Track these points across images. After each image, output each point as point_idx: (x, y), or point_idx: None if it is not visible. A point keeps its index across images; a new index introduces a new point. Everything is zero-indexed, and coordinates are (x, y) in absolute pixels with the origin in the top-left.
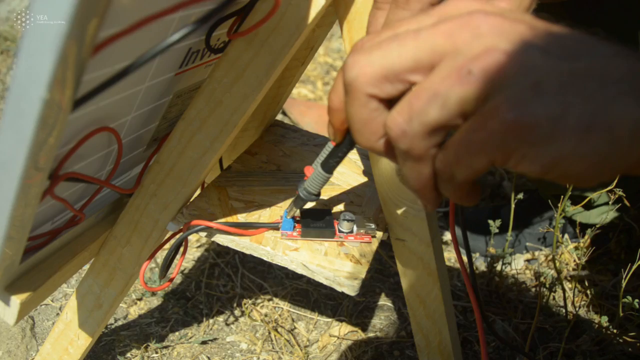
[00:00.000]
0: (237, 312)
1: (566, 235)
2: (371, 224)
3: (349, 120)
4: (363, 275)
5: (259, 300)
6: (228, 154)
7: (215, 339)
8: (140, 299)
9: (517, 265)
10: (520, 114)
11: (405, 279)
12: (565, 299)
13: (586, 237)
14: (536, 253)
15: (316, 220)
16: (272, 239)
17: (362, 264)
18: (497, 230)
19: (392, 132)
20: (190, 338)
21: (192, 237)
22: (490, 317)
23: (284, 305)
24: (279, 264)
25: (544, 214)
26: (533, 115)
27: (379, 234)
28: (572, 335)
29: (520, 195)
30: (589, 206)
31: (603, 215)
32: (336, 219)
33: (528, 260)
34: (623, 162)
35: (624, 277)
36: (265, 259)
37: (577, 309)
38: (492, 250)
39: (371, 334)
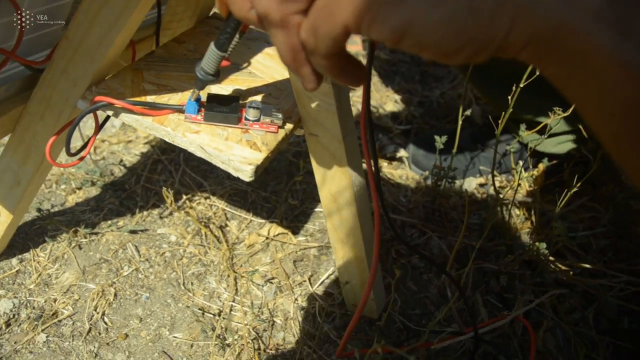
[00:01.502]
0: (173, 206)
1: (520, 162)
2: (278, 114)
3: None
4: (259, 162)
5: (196, 198)
6: None
7: (146, 229)
8: (79, 188)
9: (469, 187)
10: None
11: (319, 176)
12: (504, 223)
13: (540, 165)
14: (490, 177)
15: (221, 106)
16: (175, 120)
17: (262, 151)
18: (442, 146)
19: None
20: (121, 227)
21: (141, 133)
22: (427, 233)
23: (220, 204)
24: (179, 146)
25: (502, 139)
26: None
27: (289, 126)
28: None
29: (468, 112)
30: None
31: (560, 145)
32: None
33: (482, 185)
34: (484, 38)
35: (559, 203)
36: (166, 139)
37: (518, 233)
38: (437, 166)
39: (302, 238)
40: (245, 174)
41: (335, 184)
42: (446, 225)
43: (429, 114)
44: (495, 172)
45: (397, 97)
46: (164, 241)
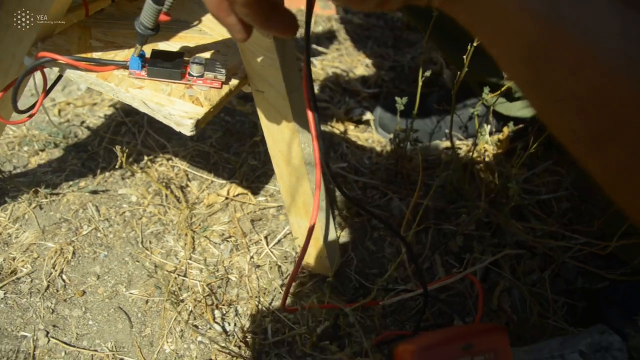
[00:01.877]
0: (135, 167)
1: (486, 126)
2: (222, 69)
3: None
4: (200, 117)
5: (158, 159)
6: None
7: (107, 190)
8: (42, 150)
9: (436, 150)
10: None
11: (268, 133)
12: (467, 185)
13: (504, 128)
14: (457, 142)
15: (165, 62)
16: (120, 76)
17: (203, 106)
18: (402, 107)
19: None
20: (83, 188)
21: (106, 96)
22: (388, 194)
23: (182, 165)
24: (123, 101)
25: (468, 103)
26: None
27: (234, 82)
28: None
29: (428, 73)
30: (512, 98)
31: (525, 109)
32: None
33: (448, 148)
34: None
35: (515, 164)
36: (110, 95)
37: (481, 196)
38: (399, 128)
39: (261, 198)
40: (186, 128)
41: (283, 141)
42: (408, 187)
43: (400, 79)
44: (461, 136)
45: (369, 61)
46: (125, 201)
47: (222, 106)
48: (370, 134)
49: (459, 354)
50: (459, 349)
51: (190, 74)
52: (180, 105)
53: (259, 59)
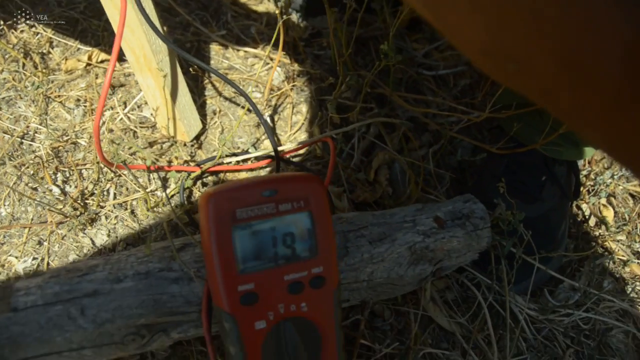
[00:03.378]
0: None
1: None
2: None
3: None
4: None
5: (20, 25)
6: None
7: None
8: None
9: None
10: None
11: None
12: (335, 57)
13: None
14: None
15: None
16: None
17: None
18: None
19: None
20: None
21: None
22: (269, 64)
23: (46, 32)
24: None
25: None
26: None
27: None
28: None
29: None
30: None
31: None
32: None
33: (343, 21)
34: None
35: (394, 22)
36: None
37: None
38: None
39: (127, 65)
40: None
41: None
42: (292, 56)
43: None
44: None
45: None
46: None
47: None
48: (266, 5)
49: (260, 200)
50: (260, 194)
51: None
52: None
53: None
